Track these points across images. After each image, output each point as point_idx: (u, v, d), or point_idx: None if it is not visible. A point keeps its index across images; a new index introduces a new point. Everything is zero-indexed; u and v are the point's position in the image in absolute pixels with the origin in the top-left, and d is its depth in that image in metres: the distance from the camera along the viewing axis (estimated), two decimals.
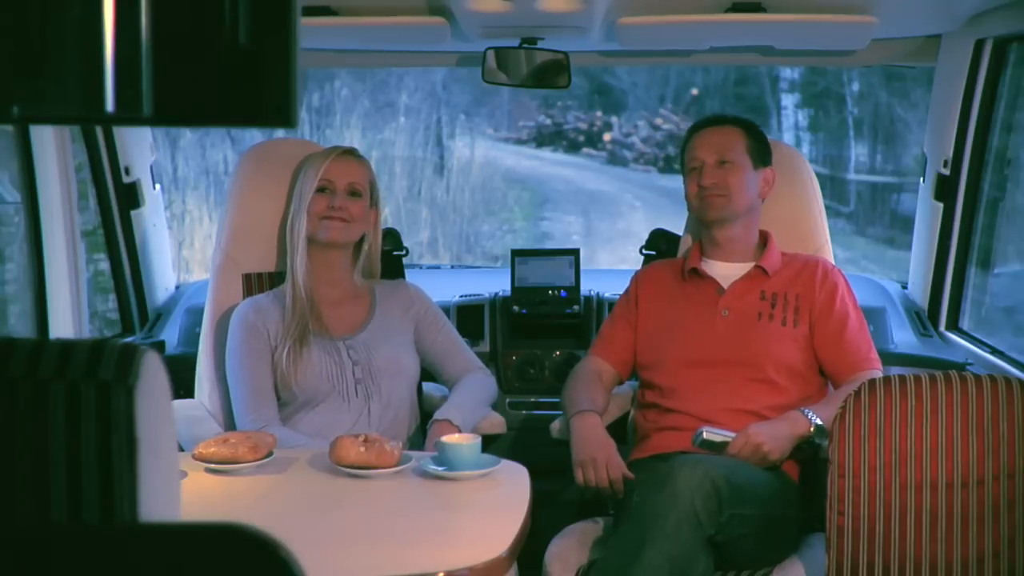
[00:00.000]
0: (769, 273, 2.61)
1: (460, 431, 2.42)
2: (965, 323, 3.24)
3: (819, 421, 2.39)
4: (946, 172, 3.16)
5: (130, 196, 3.29)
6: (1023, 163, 3.24)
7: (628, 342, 2.68)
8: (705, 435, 2.36)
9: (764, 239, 2.69)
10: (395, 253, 3.15)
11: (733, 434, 2.37)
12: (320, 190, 2.58)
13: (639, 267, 2.92)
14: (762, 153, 2.65)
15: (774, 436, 2.36)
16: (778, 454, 2.37)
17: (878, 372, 2.55)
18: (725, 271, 2.64)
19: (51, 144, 2.67)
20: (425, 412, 2.70)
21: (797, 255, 2.69)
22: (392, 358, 2.59)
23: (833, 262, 2.85)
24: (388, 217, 9.67)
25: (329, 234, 2.58)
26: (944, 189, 3.18)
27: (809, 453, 2.45)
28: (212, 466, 2.15)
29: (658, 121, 11.33)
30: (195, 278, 3.91)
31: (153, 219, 3.41)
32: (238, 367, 2.55)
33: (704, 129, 2.67)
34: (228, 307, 2.83)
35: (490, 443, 2.51)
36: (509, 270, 3.26)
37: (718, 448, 2.35)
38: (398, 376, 2.59)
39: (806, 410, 2.42)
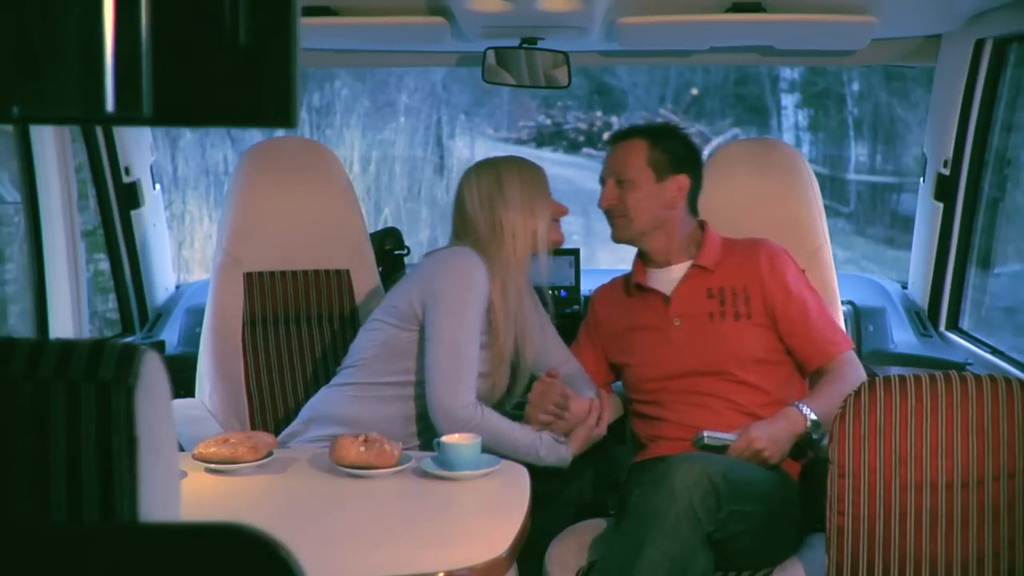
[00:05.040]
0: (709, 268, 2.58)
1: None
2: (965, 323, 3.24)
3: (814, 416, 2.39)
4: (946, 172, 3.16)
5: (130, 196, 3.28)
6: (1023, 163, 3.23)
7: (594, 359, 2.69)
8: (706, 439, 2.36)
9: (702, 229, 2.65)
10: (396, 252, 3.16)
11: (733, 436, 2.37)
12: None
13: None
14: (671, 162, 2.58)
15: (773, 440, 2.36)
16: (777, 457, 2.38)
17: (851, 353, 2.55)
18: (667, 276, 2.61)
19: (51, 144, 2.67)
20: None
21: (737, 240, 2.64)
22: None
23: (833, 262, 2.85)
24: (388, 217, 9.68)
25: (562, 236, 2.59)
26: (944, 189, 3.17)
27: (806, 451, 2.46)
28: (212, 466, 2.15)
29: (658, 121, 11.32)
30: (195, 278, 3.91)
31: (153, 219, 3.41)
32: (473, 329, 2.41)
33: (611, 146, 2.66)
34: (229, 307, 2.83)
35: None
36: None
37: (719, 451, 2.35)
38: None
39: (800, 405, 2.42)
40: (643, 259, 2.65)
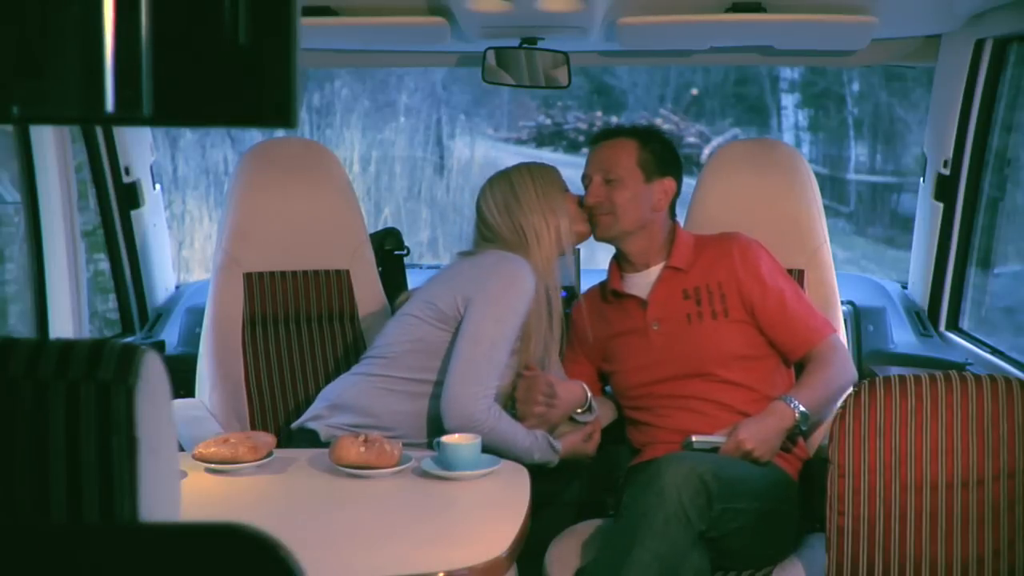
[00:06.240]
0: (683, 268, 2.57)
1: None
2: (965, 323, 3.24)
3: (802, 408, 2.39)
4: (946, 172, 3.16)
5: (130, 196, 3.28)
6: (1023, 163, 3.23)
7: (582, 369, 2.68)
8: (695, 444, 2.36)
9: (673, 230, 2.64)
10: (396, 252, 3.16)
11: (722, 438, 2.37)
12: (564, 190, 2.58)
13: None
14: (658, 164, 2.58)
15: (762, 440, 2.36)
16: (768, 455, 2.38)
17: (834, 337, 2.54)
18: (643, 280, 2.60)
19: (51, 144, 2.67)
20: None
21: (709, 237, 2.63)
22: None
23: (832, 262, 2.85)
24: (388, 217, 9.67)
25: (588, 226, 2.58)
26: (944, 189, 3.17)
27: (797, 441, 2.46)
28: (212, 466, 2.15)
29: (658, 121, 11.32)
30: (195, 278, 3.91)
31: (153, 219, 3.41)
32: (511, 337, 2.42)
33: (597, 144, 2.64)
34: (229, 307, 2.83)
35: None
36: None
37: (710, 454, 2.35)
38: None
39: (788, 399, 2.42)
40: (619, 263, 2.65)
